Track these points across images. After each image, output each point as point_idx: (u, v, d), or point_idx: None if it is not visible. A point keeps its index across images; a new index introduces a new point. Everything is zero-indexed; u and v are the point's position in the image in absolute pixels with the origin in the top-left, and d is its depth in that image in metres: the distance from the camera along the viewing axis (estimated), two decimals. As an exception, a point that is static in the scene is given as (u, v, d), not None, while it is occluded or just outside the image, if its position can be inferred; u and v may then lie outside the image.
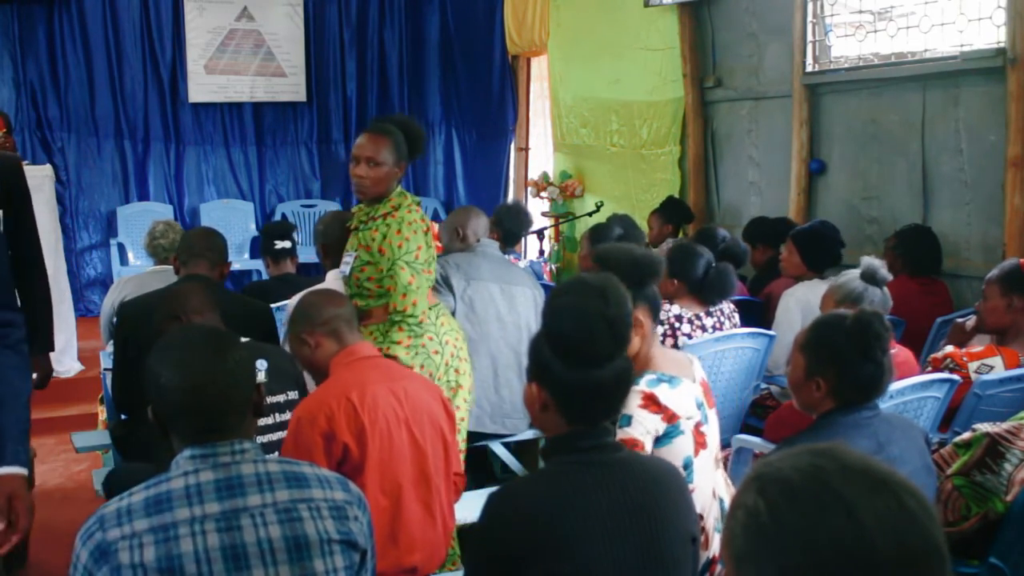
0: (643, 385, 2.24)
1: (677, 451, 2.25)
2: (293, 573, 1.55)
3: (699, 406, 2.32)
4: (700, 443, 2.33)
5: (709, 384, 2.47)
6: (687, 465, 2.29)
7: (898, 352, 3.02)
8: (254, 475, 1.60)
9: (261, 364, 2.74)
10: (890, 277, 3.07)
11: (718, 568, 2.38)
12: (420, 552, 2.39)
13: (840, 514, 0.88)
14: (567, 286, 1.75)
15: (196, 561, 1.50)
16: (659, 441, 2.24)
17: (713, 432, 2.37)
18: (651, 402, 2.23)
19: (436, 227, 4.73)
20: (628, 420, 2.19)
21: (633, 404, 2.20)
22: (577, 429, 1.68)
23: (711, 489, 2.37)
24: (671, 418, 2.23)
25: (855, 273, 3.09)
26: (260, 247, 4.72)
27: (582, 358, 1.67)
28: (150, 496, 1.55)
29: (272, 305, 3.59)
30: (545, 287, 4.84)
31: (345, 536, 1.63)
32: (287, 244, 4.47)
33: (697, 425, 2.30)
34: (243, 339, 2.81)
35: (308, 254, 6.94)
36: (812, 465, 0.93)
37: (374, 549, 1.74)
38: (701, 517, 2.31)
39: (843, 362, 2.14)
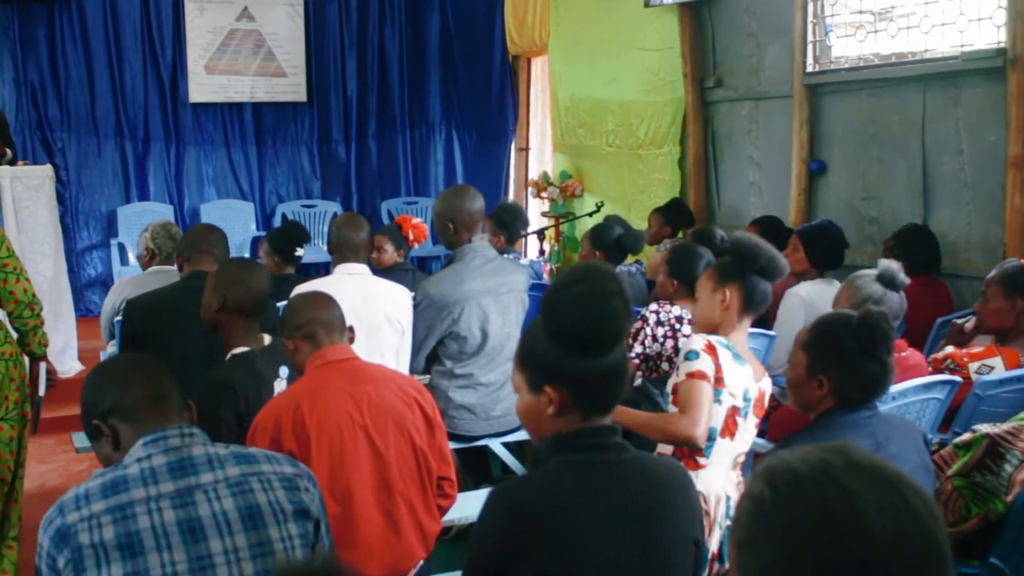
0: (712, 338, 2.44)
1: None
2: (249, 541, 1.61)
3: (746, 398, 2.45)
4: (730, 430, 2.44)
5: (765, 405, 2.54)
6: (711, 437, 2.42)
7: (910, 355, 3.01)
8: (204, 455, 1.67)
9: (284, 371, 2.73)
10: (908, 281, 3.01)
11: (715, 566, 2.39)
12: (379, 559, 2.37)
13: (842, 503, 0.89)
14: (575, 276, 1.71)
15: (154, 535, 1.55)
16: None
17: (745, 437, 2.49)
18: (711, 352, 2.41)
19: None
20: (696, 355, 2.40)
21: (699, 344, 2.41)
22: (584, 427, 1.67)
23: (722, 481, 2.46)
24: (718, 380, 2.40)
25: (871, 274, 3.02)
26: (272, 243, 4.68)
27: (603, 343, 1.65)
28: (107, 480, 1.61)
29: (276, 305, 3.59)
30: (543, 287, 4.84)
31: (298, 505, 1.69)
32: (301, 252, 4.59)
33: (734, 410, 2.43)
34: (268, 337, 2.79)
35: (309, 253, 6.94)
36: (822, 459, 0.94)
37: (328, 523, 1.79)
38: (704, 497, 2.35)
39: (848, 361, 2.13)
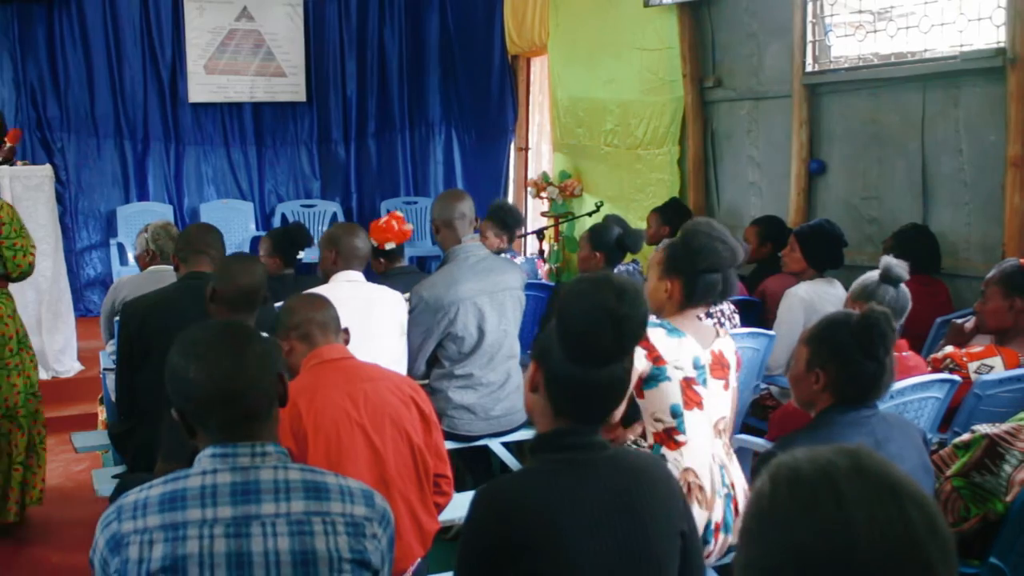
0: None
1: (663, 395, 2.43)
2: None
3: (697, 366, 2.46)
4: (694, 401, 2.45)
5: (730, 365, 2.55)
6: (676, 413, 2.43)
7: (910, 356, 3.02)
8: (272, 482, 1.57)
9: None
10: (906, 276, 3.04)
11: (720, 536, 2.41)
12: None
13: (832, 506, 0.89)
14: (587, 278, 1.75)
15: (199, 564, 1.48)
16: (647, 383, 2.44)
17: (715, 402, 2.50)
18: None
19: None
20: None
21: None
22: (563, 427, 1.69)
23: (709, 451, 2.47)
24: (656, 359, 2.42)
25: (876, 272, 3.09)
26: (275, 245, 4.66)
27: (583, 352, 1.66)
28: (166, 492, 1.54)
29: (275, 305, 3.59)
30: (543, 286, 4.84)
31: (358, 555, 1.59)
32: (302, 255, 4.57)
33: (688, 381, 2.44)
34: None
35: (309, 253, 6.92)
36: (828, 460, 0.93)
37: (391, 565, 1.70)
38: (693, 472, 2.40)
39: (845, 357, 2.15)
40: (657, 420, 2.44)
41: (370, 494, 1.67)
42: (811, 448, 0.96)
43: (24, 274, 3.93)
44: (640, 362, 2.39)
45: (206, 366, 1.57)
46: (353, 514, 1.61)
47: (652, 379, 2.43)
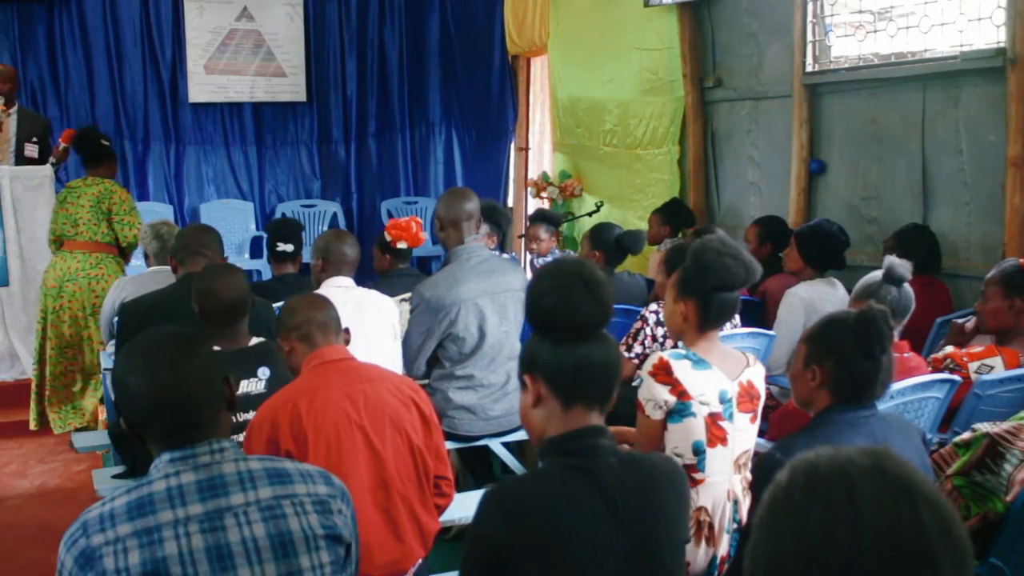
0: (665, 354, 2.38)
1: (687, 431, 2.36)
2: (279, 571, 1.55)
3: (723, 400, 2.38)
4: (718, 437, 2.38)
5: (760, 395, 2.47)
6: (698, 451, 2.36)
7: (911, 358, 3.02)
8: (236, 474, 1.59)
9: (263, 372, 2.76)
10: (908, 276, 3.02)
11: (724, 568, 2.40)
12: (379, 558, 2.37)
13: (843, 503, 0.89)
14: (546, 266, 1.85)
15: (181, 563, 1.49)
16: (671, 417, 2.37)
17: (739, 436, 2.42)
18: (662, 371, 2.35)
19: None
20: (640, 381, 2.37)
21: (648, 366, 2.37)
22: (572, 431, 1.68)
23: (726, 487, 2.41)
24: (681, 394, 2.34)
25: (879, 272, 3.07)
26: (266, 244, 4.66)
27: (566, 327, 1.70)
28: (132, 500, 1.54)
29: (273, 305, 3.59)
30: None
31: (330, 531, 1.62)
32: (288, 248, 4.40)
33: (713, 417, 2.37)
34: (257, 339, 2.85)
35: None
36: (848, 458, 0.93)
37: (358, 541, 1.74)
38: (706, 511, 2.34)
39: (841, 353, 2.15)
40: (677, 455, 2.35)
41: (326, 474, 1.71)
42: (838, 447, 0.96)
43: (132, 245, 5.07)
44: (664, 397, 2.34)
45: (147, 377, 1.57)
46: (317, 493, 1.65)
47: (676, 414, 2.35)
